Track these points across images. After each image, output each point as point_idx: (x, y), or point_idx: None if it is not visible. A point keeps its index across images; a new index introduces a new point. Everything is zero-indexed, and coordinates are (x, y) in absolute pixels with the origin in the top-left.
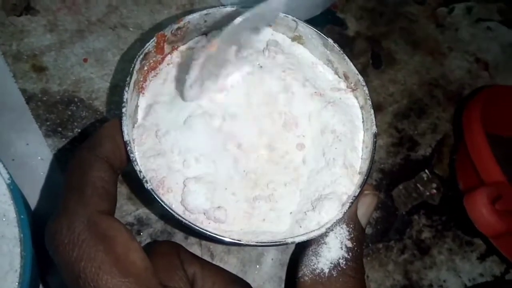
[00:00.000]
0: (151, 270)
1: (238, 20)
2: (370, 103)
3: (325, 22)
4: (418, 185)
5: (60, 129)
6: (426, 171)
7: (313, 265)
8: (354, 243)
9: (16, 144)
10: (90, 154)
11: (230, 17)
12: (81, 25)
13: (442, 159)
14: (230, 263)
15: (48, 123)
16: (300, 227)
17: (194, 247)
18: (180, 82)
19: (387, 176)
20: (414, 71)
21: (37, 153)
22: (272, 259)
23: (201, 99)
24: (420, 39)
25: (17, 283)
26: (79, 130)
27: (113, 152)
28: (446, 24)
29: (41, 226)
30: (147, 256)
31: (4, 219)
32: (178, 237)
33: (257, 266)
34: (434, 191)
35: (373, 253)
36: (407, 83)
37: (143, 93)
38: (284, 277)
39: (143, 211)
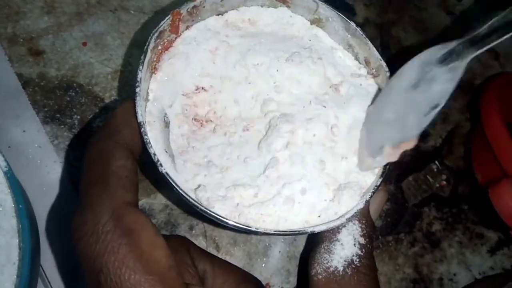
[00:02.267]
0: (175, 269)
1: None
2: None
3: (333, 7)
4: (428, 176)
5: (58, 115)
6: (436, 162)
7: (327, 263)
8: (367, 240)
9: (12, 131)
10: (109, 142)
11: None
12: (80, 7)
13: (453, 150)
14: (236, 256)
15: (45, 109)
16: (319, 216)
17: (199, 238)
18: None
19: (396, 168)
20: None
21: (34, 141)
22: (279, 251)
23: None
24: (429, 27)
25: (15, 277)
26: (78, 117)
27: (131, 137)
28: (456, 12)
29: (39, 217)
30: None
31: (0, 209)
32: (183, 228)
33: (264, 259)
34: (444, 183)
35: (382, 246)
36: None
37: (156, 73)
38: (291, 270)
39: (146, 201)
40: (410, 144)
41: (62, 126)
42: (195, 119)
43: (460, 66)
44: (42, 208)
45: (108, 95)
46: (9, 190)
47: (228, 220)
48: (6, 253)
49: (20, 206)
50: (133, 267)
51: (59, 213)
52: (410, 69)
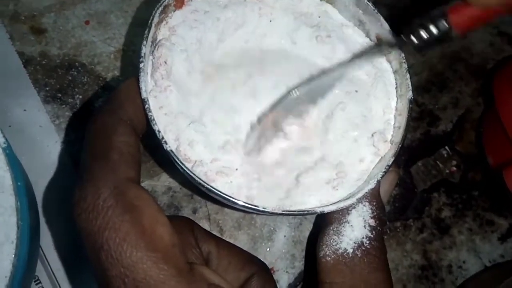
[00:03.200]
0: (178, 247)
1: (296, 93)
2: (406, 67)
3: None
4: (438, 162)
5: (59, 95)
6: (447, 147)
7: (336, 245)
8: (377, 222)
9: (13, 110)
10: (112, 118)
11: None
12: None
13: (464, 135)
14: (240, 240)
15: (47, 88)
16: (336, 188)
17: (202, 221)
18: None
19: (405, 152)
20: None
21: (35, 120)
22: (284, 236)
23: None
24: None
25: (13, 256)
26: (80, 97)
27: (135, 114)
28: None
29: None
30: None
31: None
32: (186, 211)
33: (269, 243)
34: (454, 168)
35: (390, 232)
36: (427, 55)
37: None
38: (297, 254)
39: (148, 183)
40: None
41: (64, 106)
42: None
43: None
44: (42, 188)
45: (110, 74)
46: (7, 167)
47: (236, 200)
48: (5, 232)
49: (19, 183)
50: (135, 244)
51: (59, 193)
52: None
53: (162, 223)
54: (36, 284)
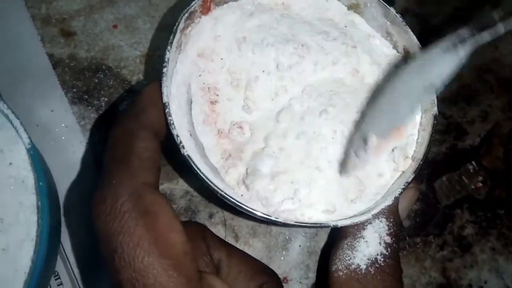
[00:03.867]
0: (190, 256)
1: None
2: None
3: None
4: (463, 177)
5: (86, 96)
6: (473, 162)
7: (349, 260)
8: (393, 239)
9: (41, 110)
10: (135, 123)
11: None
12: None
13: (492, 150)
14: (255, 247)
15: (74, 90)
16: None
17: (218, 227)
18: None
19: (430, 166)
20: None
21: (61, 121)
22: (299, 245)
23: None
24: (473, 19)
25: (32, 252)
26: (106, 99)
27: (157, 118)
28: (503, 3)
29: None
30: None
31: (23, 185)
32: (202, 215)
33: (283, 252)
34: (480, 184)
35: (409, 247)
36: None
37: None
38: (311, 265)
39: (167, 186)
40: (398, 133)
41: (90, 107)
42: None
43: (462, 50)
44: (65, 187)
45: (135, 78)
46: (31, 167)
47: (252, 209)
48: (26, 229)
49: (41, 183)
50: (147, 249)
51: (82, 193)
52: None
53: (176, 230)
54: (56, 279)
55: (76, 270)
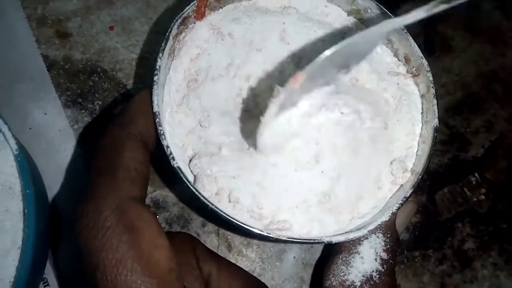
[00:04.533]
0: (176, 273)
1: (327, 53)
2: (434, 92)
3: None
4: (465, 189)
5: (80, 100)
6: (476, 174)
7: (343, 276)
8: (390, 255)
9: (34, 113)
10: (122, 132)
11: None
12: None
13: (496, 162)
14: (249, 257)
15: (68, 92)
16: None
17: (211, 236)
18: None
19: (431, 177)
20: (471, 60)
21: (55, 124)
22: (294, 257)
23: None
24: (481, 26)
25: (18, 261)
26: (100, 103)
27: (146, 128)
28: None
29: (55, 202)
30: None
31: (10, 192)
32: (195, 224)
33: (277, 264)
34: (483, 197)
35: (407, 261)
36: (462, 74)
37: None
38: (305, 278)
39: (160, 193)
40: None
41: (83, 111)
42: None
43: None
44: (57, 192)
45: (131, 82)
46: (18, 174)
47: (241, 223)
48: (12, 237)
49: (28, 191)
50: (130, 267)
51: (73, 198)
52: None
53: (161, 247)
54: (45, 286)
55: (66, 277)
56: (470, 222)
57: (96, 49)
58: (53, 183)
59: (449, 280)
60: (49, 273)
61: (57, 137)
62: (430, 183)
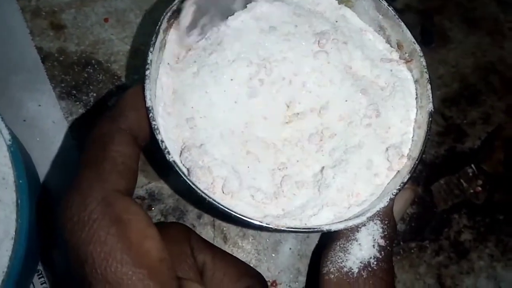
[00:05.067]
0: (167, 263)
1: None
2: (427, 77)
3: None
4: (462, 180)
5: (74, 92)
6: (472, 166)
7: (341, 263)
8: (387, 242)
9: (28, 104)
10: (112, 125)
11: None
12: None
13: (492, 153)
14: (244, 249)
15: (62, 84)
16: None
17: (207, 227)
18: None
19: (427, 168)
20: (469, 52)
21: (49, 116)
22: (290, 248)
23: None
24: (478, 17)
25: (11, 251)
26: (94, 94)
27: (137, 122)
28: (509, 2)
29: (49, 194)
30: None
31: (3, 183)
32: (191, 215)
33: (273, 255)
34: (479, 188)
35: (404, 252)
36: (459, 65)
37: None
38: (302, 269)
39: (155, 185)
40: None
41: (78, 103)
42: None
43: None
44: (52, 184)
45: (126, 74)
46: (11, 164)
47: (240, 215)
48: (5, 228)
49: (21, 181)
50: (120, 259)
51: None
52: None
53: (150, 237)
54: (39, 278)
55: (60, 269)
56: (467, 213)
57: (90, 41)
58: (47, 175)
59: (446, 271)
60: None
61: (51, 129)
62: (426, 174)
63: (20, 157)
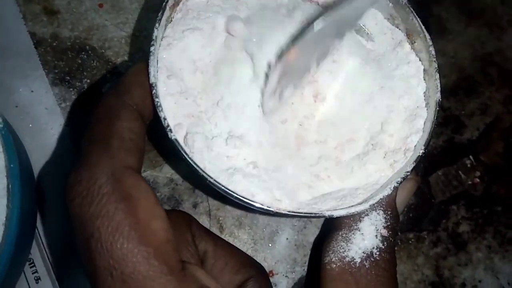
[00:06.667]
0: (172, 244)
1: (319, 25)
2: (436, 67)
3: None
4: (460, 172)
5: (68, 78)
6: (471, 157)
7: (343, 252)
8: (390, 232)
9: (21, 90)
10: (118, 101)
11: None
12: None
13: (490, 145)
14: (241, 239)
15: (56, 70)
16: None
17: (202, 217)
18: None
19: (425, 159)
20: (467, 44)
21: (41, 102)
22: (286, 238)
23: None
24: (476, 9)
25: (1, 238)
26: (88, 81)
27: (142, 99)
28: None
29: (41, 181)
30: None
31: None
32: (186, 205)
33: (270, 245)
34: (478, 180)
35: (402, 243)
36: (457, 57)
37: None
38: (298, 259)
39: (150, 174)
40: (289, 55)
41: (71, 89)
42: None
43: None
44: (43, 171)
45: (120, 60)
46: (2, 148)
47: (242, 197)
48: None
49: (12, 165)
50: (127, 235)
51: (60, 176)
52: None
53: (158, 217)
54: (31, 267)
55: (52, 257)
56: (465, 204)
57: (84, 26)
58: (40, 162)
59: (443, 263)
60: (35, 253)
61: (44, 115)
62: (424, 165)
63: (12, 141)
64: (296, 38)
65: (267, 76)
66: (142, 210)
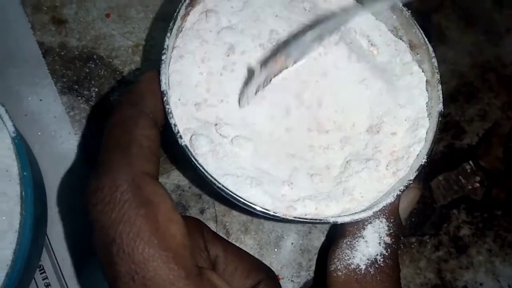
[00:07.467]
0: (189, 249)
1: (308, 38)
2: (438, 78)
3: None
4: (460, 177)
5: (76, 86)
6: (471, 162)
7: (348, 260)
8: (393, 240)
9: (30, 99)
10: (133, 110)
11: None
12: None
13: (490, 150)
14: (247, 244)
15: (64, 79)
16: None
17: (209, 223)
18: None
19: (426, 165)
20: (466, 51)
21: (50, 110)
22: (292, 243)
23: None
24: (475, 17)
25: (15, 244)
26: (96, 89)
27: (155, 107)
28: (505, 2)
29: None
30: None
31: (6, 175)
32: (193, 211)
33: (275, 250)
34: (478, 184)
35: (404, 247)
36: (457, 63)
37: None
38: (304, 263)
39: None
40: (277, 62)
41: (79, 98)
42: None
43: None
44: (53, 179)
45: (127, 69)
46: (16, 156)
47: (249, 202)
48: (9, 220)
49: (25, 173)
50: (148, 240)
51: (70, 185)
52: None
53: (175, 222)
54: (41, 273)
55: (62, 264)
56: (466, 209)
57: (92, 36)
58: (48, 170)
59: (445, 266)
60: (45, 259)
61: (53, 123)
62: (425, 170)
63: (24, 149)
64: (281, 47)
65: (250, 78)
66: (161, 215)
